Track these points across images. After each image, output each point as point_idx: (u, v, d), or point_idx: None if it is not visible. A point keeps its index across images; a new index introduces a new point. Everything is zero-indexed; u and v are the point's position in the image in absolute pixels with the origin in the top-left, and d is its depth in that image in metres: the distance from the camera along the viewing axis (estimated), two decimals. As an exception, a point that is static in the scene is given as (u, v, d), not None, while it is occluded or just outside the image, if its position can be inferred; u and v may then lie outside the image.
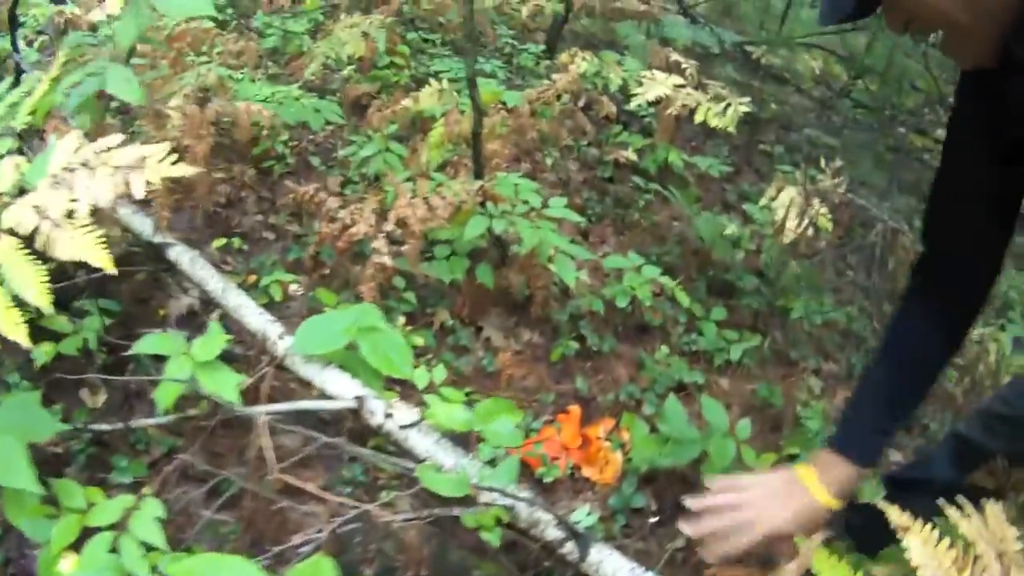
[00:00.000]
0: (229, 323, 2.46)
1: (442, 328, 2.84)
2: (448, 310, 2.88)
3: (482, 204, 2.75)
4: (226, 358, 2.15)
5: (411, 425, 1.92)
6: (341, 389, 2.00)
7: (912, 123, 5.23)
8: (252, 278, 2.92)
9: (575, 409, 2.60)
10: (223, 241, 3.09)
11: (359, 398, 1.95)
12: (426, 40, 5.10)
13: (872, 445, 1.67)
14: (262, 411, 1.93)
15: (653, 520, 2.35)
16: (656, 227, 3.68)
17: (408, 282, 2.90)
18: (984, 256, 1.65)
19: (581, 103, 4.05)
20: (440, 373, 2.32)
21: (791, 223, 3.14)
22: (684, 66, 3.76)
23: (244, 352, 2.45)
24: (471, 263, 2.86)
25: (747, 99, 3.46)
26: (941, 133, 5.40)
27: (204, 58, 3.88)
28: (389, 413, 1.94)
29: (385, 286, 2.75)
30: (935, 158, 5.50)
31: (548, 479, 2.34)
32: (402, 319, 2.69)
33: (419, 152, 3.41)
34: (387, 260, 2.55)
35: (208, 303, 2.63)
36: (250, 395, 2.14)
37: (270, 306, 2.82)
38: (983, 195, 1.57)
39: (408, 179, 2.97)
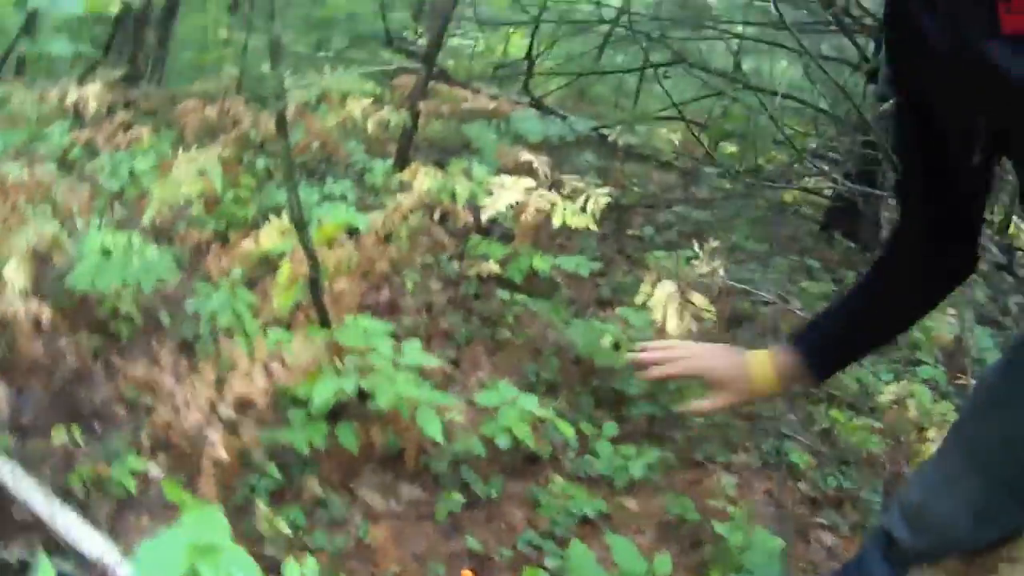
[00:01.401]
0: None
1: (313, 500, 2.55)
2: (316, 477, 2.59)
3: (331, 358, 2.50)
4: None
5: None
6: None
7: (781, 180, 5.19)
8: (103, 468, 2.60)
9: (469, 575, 2.34)
10: (62, 430, 2.76)
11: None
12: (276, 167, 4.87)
13: (824, 354, 1.66)
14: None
15: None
16: (530, 341, 3.47)
17: (268, 453, 2.61)
18: (957, 212, 1.54)
19: (436, 216, 3.86)
20: (311, 568, 2.02)
21: (672, 322, 2.97)
22: (535, 165, 3.62)
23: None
24: (333, 423, 2.58)
25: (606, 189, 3.33)
26: (813, 183, 5.39)
27: (44, 207, 3.57)
28: (243, 650, 1.64)
29: (238, 467, 2.46)
30: (815, 210, 5.48)
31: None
32: (262, 505, 2.39)
33: (270, 297, 3.16)
34: (223, 455, 2.27)
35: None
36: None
37: (126, 503, 2.52)
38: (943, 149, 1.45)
39: (248, 338, 2.71)
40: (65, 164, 4.48)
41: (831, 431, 3.28)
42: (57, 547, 2.10)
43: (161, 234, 3.85)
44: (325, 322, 2.68)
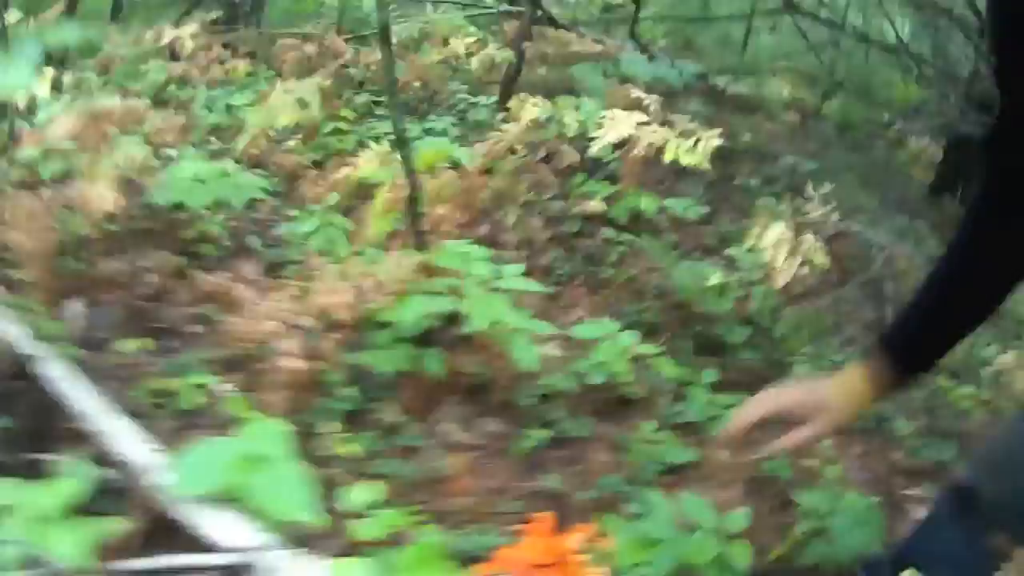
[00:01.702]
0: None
1: (389, 427, 2.43)
2: (396, 404, 2.47)
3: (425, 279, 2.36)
4: (106, 497, 1.77)
5: (320, 593, 1.47)
6: (235, 537, 1.57)
7: (891, 136, 4.92)
8: (171, 383, 2.51)
9: (545, 517, 2.18)
10: (137, 342, 2.68)
11: (248, 552, 1.52)
12: (376, 102, 4.77)
13: (915, 351, 1.50)
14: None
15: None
16: (632, 282, 3.29)
17: (348, 375, 2.50)
18: None
19: (541, 154, 3.72)
20: (379, 490, 1.89)
21: (783, 264, 2.78)
22: (647, 102, 3.45)
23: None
24: (419, 348, 2.45)
25: (717, 131, 3.15)
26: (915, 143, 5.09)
27: (136, 136, 3.53)
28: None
29: (313, 385, 2.36)
30: (926, 173, 5.18)
31: (514, 620, 1.91)
32: (336, 425, 2.26)
33: (365, 223, 3.06)
34: (296, 363, 2.15)
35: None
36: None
37: (191, 419, 2.43)
38: None
39: (340, 260, 2.60)
40: (160, 99, 4.43)
41: (933, 400, 3.05)
42: (103, 457, 2.03)
43: (256, 164, 3.77)
44: (421, 245, 2.54)
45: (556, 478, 2.35)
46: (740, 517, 2.04)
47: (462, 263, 2.40)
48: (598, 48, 5.31)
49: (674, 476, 2.42)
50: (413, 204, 2.54)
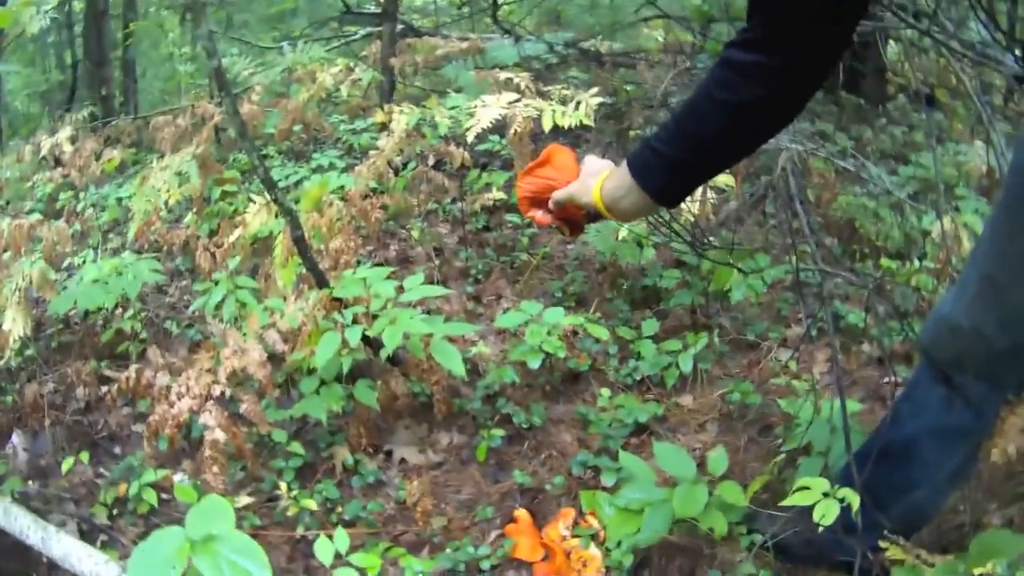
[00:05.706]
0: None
1: (345, 470, 2.34)
2: (344, 446, 2.38)
3: (328, 317, 2.27)
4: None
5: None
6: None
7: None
8: (124, 489, 2.40)
9: (522, 515, 2.10)
10: (71, 461, 2.55)
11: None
12: (261, 156, 4.64)
13: (655, 172, 1.38)
14: None
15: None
16: (549, 259, 3.23)
17: (289, 431, 2.40)
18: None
19: (431, 162, 3.65)
20: (343, 540, 1.80)
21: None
22: (516, 81, 3.39)
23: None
24: (348, 384, 2.36)
25: (595, 89, 3.09)
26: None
27: (33, 255, 3.41)
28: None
29: (254, 450, 2.26)
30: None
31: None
32: (284, 486, 2.17)
33: (272, 277, 2.96)
34: (220, 436, 2.05)
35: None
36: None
37: (153, 513, 2.32)
38: None
39: (240, 319, 2.51)
40: (53, 210, 4.33)
41: (883, 286, 3.00)
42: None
43: (157, 249, 3.67)
44: (322, 281, 2.45)
45: (525, 472, 2.27)
46: (718, 458, 1.99)
47: (362, 289, 2.31)
48: (464, 45, 5.24)
49: (644, 435, 2.36)
50: (301, 244, 2.45)
